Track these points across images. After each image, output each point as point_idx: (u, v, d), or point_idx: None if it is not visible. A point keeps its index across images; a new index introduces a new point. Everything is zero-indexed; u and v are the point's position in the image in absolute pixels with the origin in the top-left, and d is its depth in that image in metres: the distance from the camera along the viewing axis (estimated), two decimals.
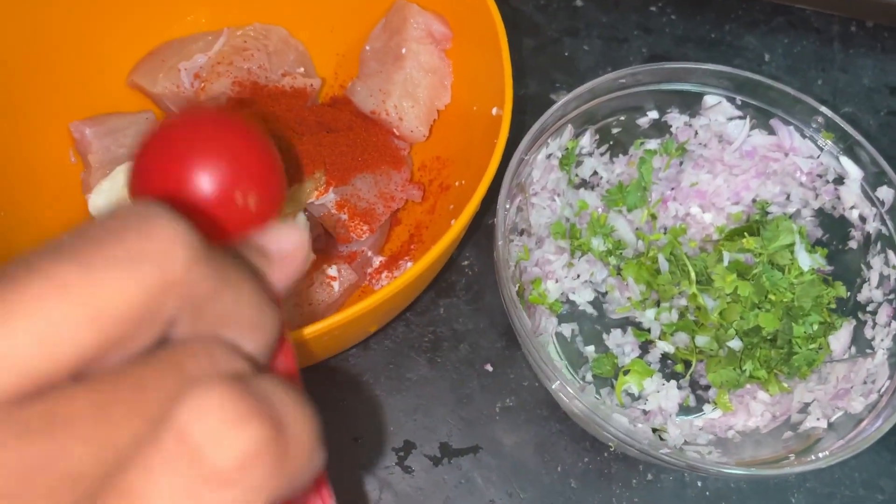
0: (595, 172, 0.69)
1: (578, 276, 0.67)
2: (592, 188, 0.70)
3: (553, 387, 0.53)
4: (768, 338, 0.64)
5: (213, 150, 0.31)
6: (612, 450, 0.63)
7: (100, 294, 0.22)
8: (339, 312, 0.46)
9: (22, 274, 0.21)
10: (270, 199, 0.33)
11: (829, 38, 0.85)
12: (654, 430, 0.62)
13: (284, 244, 0.31)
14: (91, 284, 0.22)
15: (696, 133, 0.67)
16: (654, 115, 0.67)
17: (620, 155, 0.69)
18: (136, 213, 0.24)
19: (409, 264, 0.64)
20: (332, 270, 0.62)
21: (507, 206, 0.58)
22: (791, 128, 0.64)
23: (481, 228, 0.71)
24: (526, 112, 0.77)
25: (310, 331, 0.47)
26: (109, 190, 0.63)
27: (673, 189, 0.70)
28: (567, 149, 0.65)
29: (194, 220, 0.26)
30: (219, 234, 0.31)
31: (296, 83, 0.65)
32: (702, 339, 0.64)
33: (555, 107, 0.60)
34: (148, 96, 0.68)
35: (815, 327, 0.63)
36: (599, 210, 0.69)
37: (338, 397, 0.65)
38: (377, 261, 0.67)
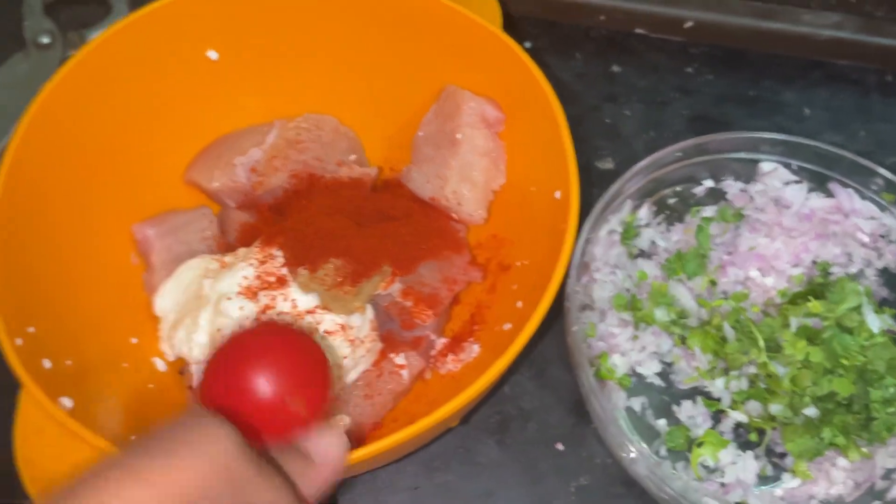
0: (653, 242, 0.69)
1: (644, 347, 0.67)
2: (650, 257, 0.69)
3: (643, 472, 0.53)
4: (844, 403, 0.63)
5: (267, 364, 0.40)
6: None
7: (167, 480, 0.32)
8: (434, 413, 0.46)
9: (109, 467, 0.32)
10: (317, 405, 0.41)
11: (866, 90, 0.85)
12: None
13: (326, 450, 0.40)
14: (160, 474, 0.32)
15: (752, 198, 0.68)
16: (709, 183, 0.67)
17: (677, 223, 0.69)
18: (193, 420, 0.35)
19: (475, 347, 0.64)
20: (399, 359, 0.62)
21: (577, 288, 0.58)
22: (850, 190, 0.64)
23: None
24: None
25: (398, 436, 0.46)
26: (174, 290, 0.63)
27: (731, 254, 0.69)
28: (626, 223, 0.65)
29: (249, 421, 0.35)
30: (270, 432, 0.39)
31: (353, 173, 0.66)
32: (776, 408, 0.63)
33: (615, 186, 0.61)
34: (204, 192, 0.69)
35: (892, 390, 0.62)
36: (659, 279, 0.69)
37: (411, 484, 0.64)
38: (440, 343, 0.66)
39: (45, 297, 0.55)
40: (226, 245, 0.67)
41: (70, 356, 0.54)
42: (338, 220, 0.61)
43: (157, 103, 0.66)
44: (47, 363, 0.51)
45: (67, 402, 0.48)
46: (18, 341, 0.49)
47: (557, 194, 0.57)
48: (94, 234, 0.62)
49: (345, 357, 0.58)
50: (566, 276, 0.58)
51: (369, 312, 0.61)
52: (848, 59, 0.84)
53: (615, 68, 0.86)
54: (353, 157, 0.71)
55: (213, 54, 0.66)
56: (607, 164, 0.80)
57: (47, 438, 0.46)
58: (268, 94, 0.71)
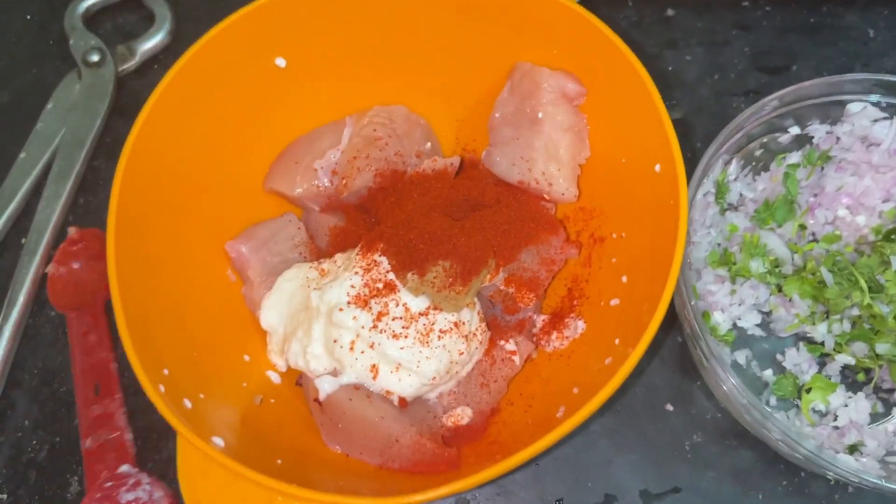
0: (740, 195, 0.68)
1: (742, 301, 0.67)
2: (737, 209, 0.69)
3: (749, 419, 0.54)
4: None
5: None
6: (829, 481, 0.63)
7: None
8: (581, 410, 0.47)
9: None
10: None
11: None
12: (853, 449, 0.62)
13: None
14: None
15: (839, 139, 0.66)
16: (795, 130, 0.66)
17: (762, 173, 0.69)
18: None
19: (580, 323, 0.64)
20: (510, 345, 0.63)
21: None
22: None
23: None
24: None
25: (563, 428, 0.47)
26: (278, 304, 0.64)
27: (816, 195, 0.69)
28: (718, 182, 0.64)
29: None
30: None
31: (436, 166, 0.66)
32: (882, 346, 0.64)
33: (710, 150, 0.60)
34: (286, 199, 0.69)
35: None
36: (750, 230, 0.68)
37: (531, 462, 0.66)
38: (540, 320, 0.67)
39: (171, 338, 0.56)
40: (317, 250, 0.68)
41: (202, 389, 0.55)
42: (434, 218, 0.60)
43: (234, 118, 0.65)
44: (188, 403, 0.52)
45: (219, 441, 0.49)
46: (161, 388, 0.50)
47: (657, 168, 0.56)
48: (193, 259, 0.63)
49: (461, 353, 0.59)
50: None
51: (476, 304, 0.61)
52: None
53: (670, 12, 0.84)
54: (428, 144, 0.70)
55: (280, 61, 0.65)
56: (676, 114, 0.79)
57: (211, 479, 0.47)
58: (336, 91, 0.70)
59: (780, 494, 0.64)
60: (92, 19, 0.84)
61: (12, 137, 0.77)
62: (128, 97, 0.80)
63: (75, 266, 0.70)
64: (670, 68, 0.81)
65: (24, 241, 0.72)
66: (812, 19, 0.83)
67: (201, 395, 0.54)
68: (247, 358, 0.64)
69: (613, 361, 0.52)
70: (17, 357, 0.69)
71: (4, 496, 0.65)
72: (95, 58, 0.79)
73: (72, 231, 0.72)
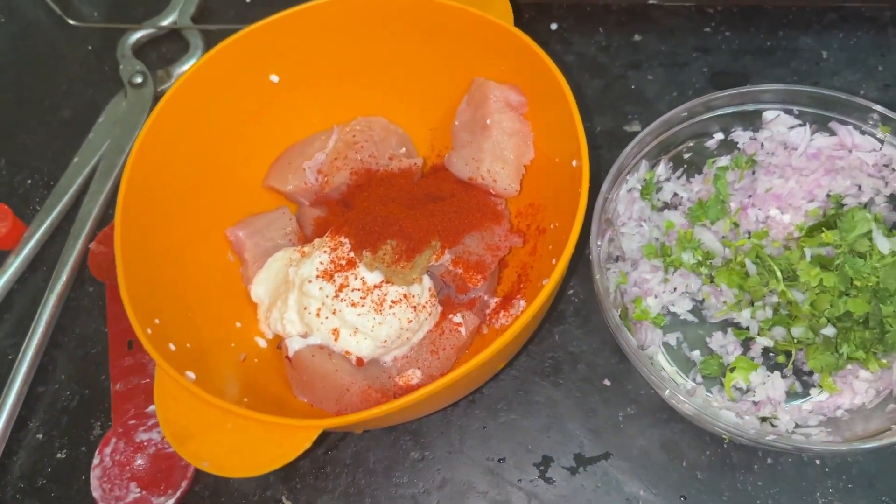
0: (675, 194, 0.76)
1: (675, 289, 0.75)
2: (675, 208, 0.77)
3: (665, 395, 0.61)
4: (860, 321, 0.69)
5: None
6: (725, 443, 0.70)
7: None
8: (483, 351, 0.56)
9: None
10: None
11: (882, 26, 0.89)
12: (764, 419, 0.69)
13: None
14: None
15: (762, 145, 0.74)
16: (719, 136, 0.74)
17: (696, 175, 0.77)
18: None
19: (522, 302, 0.74)
20: (457, 318, 0.73)
21: (599, 242, 0.66)
22: (849, 127, 0.70)
23: (582, 259, 0.80)
24: (602, 147, 0.86)
25: (457, 372, 0.56)
26: (265, 279, 0.76)
27: (750, 197, 0.76)
28: (646, 180, 0.73)
29: None
30: None
31: (402, 165, 0.77)
32: (797, 330, 0.70)
33: (628, 147, 0.69)
34: (282, 195, 0.81)
35: None
36: (685, 227, 0.76)
37: (480, 425, 0.75)
38: (492, 302, 0.77)
39: (165, 295, 0.68)
40: (304, 238, 0.79)
41: (189, 340, 0.67)
42: (391, 206, 0.71)
43: (235, 125, 0.78)
44: (172, 346, 0.64)
45: (191, 374, 0.61)
46: (149, 331, 0.62)
47: (574, 163, 0.66)
48: (199, 239, 0.75)
49: (409, 321, 0.69)
50: (589, 232, 0.67)
51: (427, 282, 0.71)
52: (862, 1, 0.88)
53: (637, 37, 0.93)
54: (402, 150, 0.81)
55: (274, 77, 0.78)
56: (635, 127, 0.88)
57: (180, 403, 0.59)
58: (325, 104, 0.82)
59: (704, 463, 0.71)
60: (140, 49, 0.99)
61: (70, 145, 0.92)
62: None
63: None
64: (633, 86, 0.90)
65: (71, 229, 0.86)
66: (768, 42, 0.91)
67: (188, 345, 0.66)
68: (238, 325, 0.75)
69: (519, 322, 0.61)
70: (59, 323, 0.83)
71: (41, 436, 0.78)
72: (139, 80, 0.94)
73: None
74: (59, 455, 0.77)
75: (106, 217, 0.88)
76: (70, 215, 0.88)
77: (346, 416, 0.56)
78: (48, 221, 0.87)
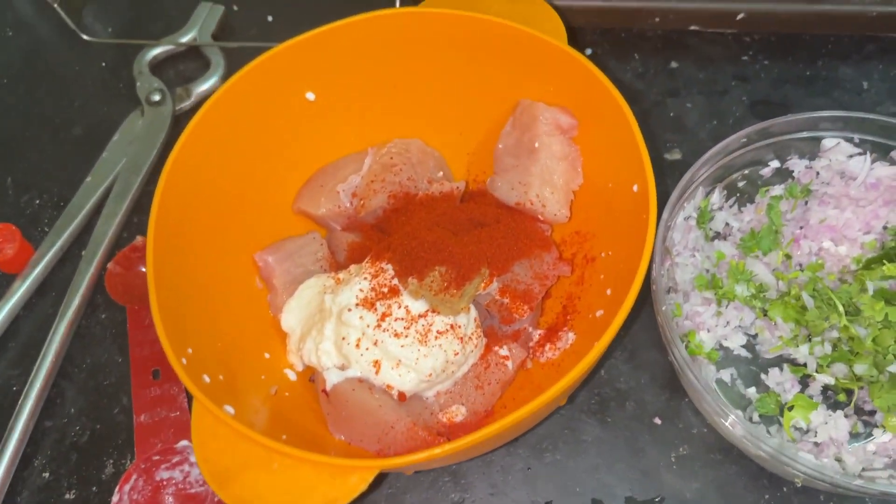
0: (727, 224, 0.73)
1: (728, 322, 0.71)
2: (725, 238, 0.74)
3: (738, 434, 0.58)
4: None
5: None
6: (797, 485, 0.66)
7: None
8: (542, 395, 0.52)
9: None
10: None
11: None
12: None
13: None
14: None
15: (818, 174, 0.72)
16: (775, 164, 0.71)
17: (748, 204, 0.74)
18: None
19: (571, 335, 0.70)
20: (503, 351, 0.68)
21: (662, 273, 0.63)
22: None
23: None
24: None
25: (512, 418, 0.52)
26: (297, 308, 0.71)
27: (802, 228, 0.74)
28: (700, 208, 0.70)
29: None
30: None
31: (443, 188, 0.73)
32: (860, 368, 0.67)
33: (687, 174, 0.66)
34: (311, 219, 0.77)
35: None
36: (736, 258, 0.73)
37: (523, 465, 0.70)
38: (536, 334, 0.73)
39: (196, 323, 0.63)
40: (336, 264, 0.75)
41: (221, 372, 0.62)
42: (437, 232, 0.68)
43: (266, 145, 0.74)
44: (206, 378, 0.59)
45: (230, 409, 0.56)
46: (183, 360, 0.57)
47: (635, 188, 0.63)
48: (227, 265, 0.71)
49: (456, 353, 0.65)
50: (651, 261, 0.64)
51: (473, 311, 0.67)
52: None
53: (674, 64, 0.91)
54: (440, 173, 0.78)
55: (310, 95, 0.74)
56: (675, 156, 0.85)
57: (220, 440, 0.54)
58: (359, 125, 0.78)
59: None
60: (157, 66, 0.95)
61: (82, 164, 0.88)
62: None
63: (141, 269, 0.79)
64: (672, 114, 0.88)
65: (83, 252, 0.81)
66: (808, 72, 0.89)
67: (220, 377, 0.61)
68: (267, 356, 0.71)
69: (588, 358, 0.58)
70: (69, 352, 0.78)
71: (47, 474, 0.72)
72: (157, 98, 0.90)
73: (139, 239, 0.81)
74: (67, 496, 0.71)
75: (121, 240, 0.83)
76: (82, 238, 0.84)
77: (407, 457, 0.51)
78: (58, 244, 0.82)
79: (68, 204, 0.84)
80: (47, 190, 0.89)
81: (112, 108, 0.93)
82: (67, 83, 0.97)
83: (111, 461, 0.72)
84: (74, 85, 0.97)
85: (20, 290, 0.80)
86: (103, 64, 0.98)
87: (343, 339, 0.66)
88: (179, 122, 0.91)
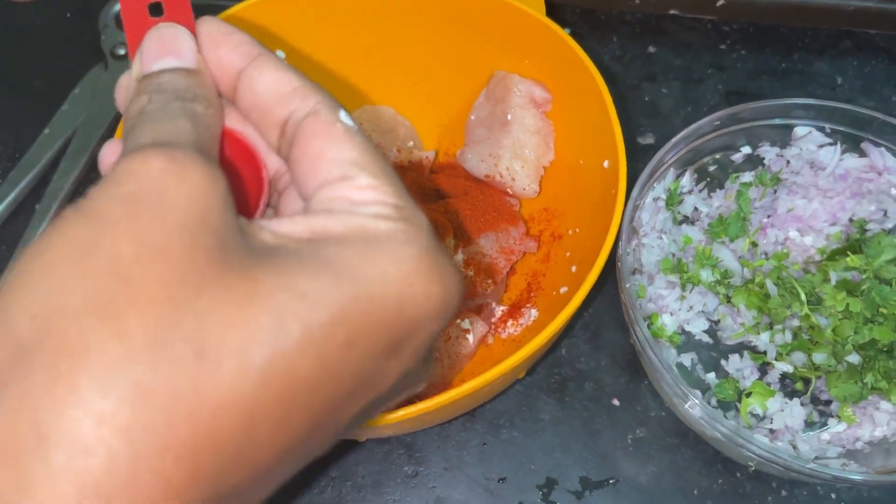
0: (696, 208, 0.73)
1: (691, 307, 0.71)
2: (694, 223, 0.74)
3: (696, 415, 0.57)
4: (884, 349, 0.66)
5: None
6: (749, 469, 0.66)
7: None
8: (500, 364, 0.51)
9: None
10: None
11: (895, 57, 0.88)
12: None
13: None
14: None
15: (789, 162, 0.71)
16: (746, 150, 0.71)
17: (717, 190, 0.73)
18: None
19: (534, 311, 0.69)
20: (465, 324, 0.67)
21: (628, 251, 0.62)
22: (882, 149, 0.68)
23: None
24: None
25: (470, 385, 0.51)
26: None
27: (770, 216, 0.73)
28: (670, 190, 0.69)
29: None
30: None
31: (413, 157, 0.72)
32: (819, 357, 0.67)
33: (658, 154, 0.65)
34: None
35: None
36: (703, 243, 0.73)
37: (479, 441, 0.69)
38: (499, 310, 0.72)
39: None
40: None
41: None
42: None
43: None
44: None
45: None
46: None
47: (606, 164, 0.62)
48: None
49: None
50: (617, 238, 0.63)
51: None
52: (876, 27, 0.87)
53: (651, 49, 0.90)
54: (410, 143, 0.76)
55: (280, 54, 0.72)
56: (648, 140, 0.84)
57: None
58: (329, 89, 0.76)
59: (716, 492, 0.67)
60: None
61: (39, 118, 0.84)
62: None
63: None
64: (647, 98, 0.87)
65: (37, 206, 0.79)
66: (784, 64, 0.89)
67: None
68: None
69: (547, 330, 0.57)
70: None
71: None
72: (122, 52, 0.87)
73: None
74: None
75: (78, 194, 0.80)
76: (37, 191, 0.81)
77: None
78: (11, 196, 0.80)
79: (23, 156, 0.81)
80: (2, 141, 0.86)
81: (74, 61, 0.89)
82: (27, 34, 0.93)
83: None
84: (35, 36, 0.93)
85: None
86: (68, 15, 0.95)
87: None
88: None
